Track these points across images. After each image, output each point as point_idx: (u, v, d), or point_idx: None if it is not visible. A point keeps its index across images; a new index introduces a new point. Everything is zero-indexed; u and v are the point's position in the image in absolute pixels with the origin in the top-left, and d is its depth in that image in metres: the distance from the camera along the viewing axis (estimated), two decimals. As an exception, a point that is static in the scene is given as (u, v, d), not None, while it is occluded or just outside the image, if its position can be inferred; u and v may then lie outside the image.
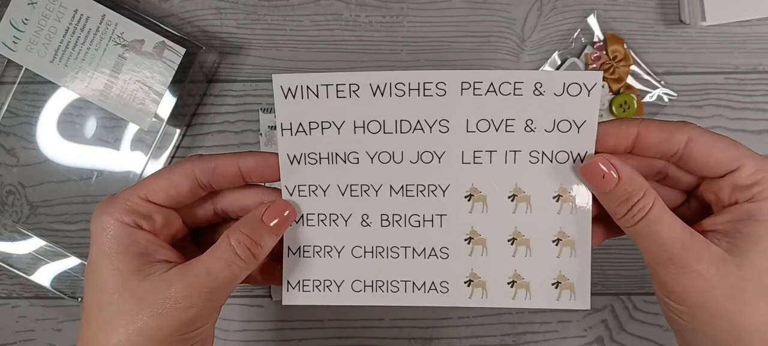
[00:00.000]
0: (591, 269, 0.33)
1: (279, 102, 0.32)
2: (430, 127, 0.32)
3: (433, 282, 0.34)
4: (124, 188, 0.32)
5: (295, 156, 0.33)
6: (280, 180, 0.33)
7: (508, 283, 0.33)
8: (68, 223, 0.47)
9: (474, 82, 0.31)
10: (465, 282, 0.34)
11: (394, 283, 0.34)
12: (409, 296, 0.34)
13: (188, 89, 0.45)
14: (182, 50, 0.43)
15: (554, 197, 0.32)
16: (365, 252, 0.34)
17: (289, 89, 0.32)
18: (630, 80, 0.45)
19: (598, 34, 0.45)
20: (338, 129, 0.32)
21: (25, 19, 0.43)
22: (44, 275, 0.46)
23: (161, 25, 0.44)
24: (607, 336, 0.47)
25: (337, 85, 0.32)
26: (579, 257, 0.33)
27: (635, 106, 0.45)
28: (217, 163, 0.32)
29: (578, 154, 0.32)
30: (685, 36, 0.46)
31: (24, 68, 0.45)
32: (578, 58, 0.45)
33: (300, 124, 0.32)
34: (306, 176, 0.33)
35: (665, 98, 0.45)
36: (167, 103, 0.44)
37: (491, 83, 0.31)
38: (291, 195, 0.33)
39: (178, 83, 0.44)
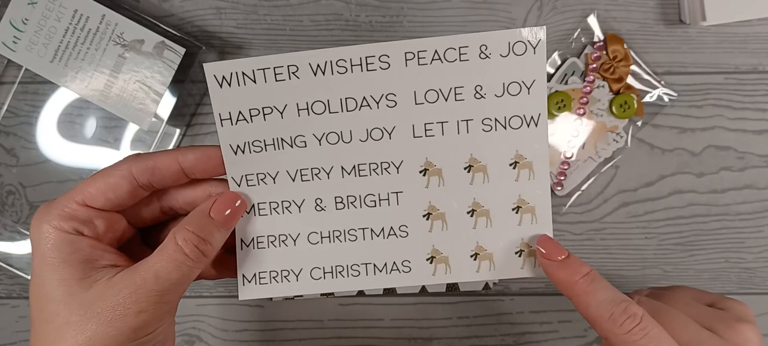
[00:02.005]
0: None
1: (214, 92, 0.31)
2: (377, 103, 0.31)
3: (394, 262, 0.33)
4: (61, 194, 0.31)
5: (238, 146, 0.31)
6: (225, 173, 0.32)
7: (471, 256, 0.33)
8: (68, 223, 0.47)
9: (418, 52, 0.30)
10: (427, 259, 0.33)
11: (355, 267, 0.33)
12: (371, 279, 0.33)
13: (188, 89, 0.45)
14: (182, 50, 0.43)
15: (511, 164, 0.32)
16: (322, 238, 0.33)
17: (223, 77, 0.30)
18: (630, 80, 0.45)
19: (598, 34, 0.45)
20: (281, 113, 0.31)
21: (25, 19, 0.43)
22: (44, 275, 0.46)
23: (161, 25, 0.44)
24: (607, 336, 0.47)
25: (274, 68, 0.30)
26: (540, 222, 0.32)
27: (635, 106, 0.45)
28: (156, 162, 0.31)
29: (532, 117, 0.31)
30: (685, 36, 0.46)
31: (24, 68, 0.45)
32: (578, 58, 0.45)
33: (239, 112, 0.31)
34: (252, 165, 0.32)
35: (665, 98, 0.45)
36: (167, 103, 0.44)
37: (435, 51, 0.30)
38: (239, 186, 0.32)
39: (178, 83, 0.44)
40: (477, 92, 0.31)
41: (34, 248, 0.30)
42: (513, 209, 0.32)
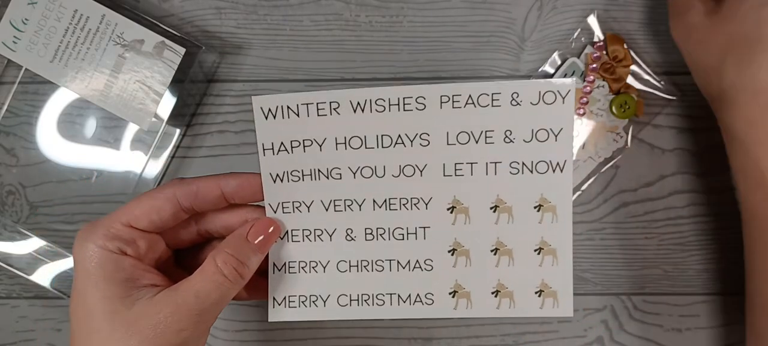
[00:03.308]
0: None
1: (259, 123, 0.32)
2: (411, 141, 0.32)
3: (418, 294, 0.34)
4: (107, 213, 0.32)
5: (277, 174, 0.33)
6: (263, 199, 0.33)
7: (492, 292, 0.34)
8: (68, 223, 0.47)
9: (453, 96, 0.31)
10: (450, 293, 0.34)
11: (380, 296, 0.34)
12: (395, 309, 0.34)
13: (188, 89, 0.45)
14: (182, 50, 0.43)
15: (535, 207, 0.33)
16: (350, 266, 0.34)
17: (269, 110, 0.32)
18: (630, 80, 0.45)
19: (598, 34, 0.45)
20: (320, 146, 0.33)
21: (25, 19, 0.43)
22: (44, 275, 0.46)
23: (161, 25, 0.44)
24: (607, 336, 0.47)
25: (317, 103, 0.32)
26: (561, 265, 0.33)
27: (635, 106, 0.44)
28: (199, 186, 0.32)
29: (557, 163, 0.32)
30: (685, 36, 0.46)
31: (24, 68, 0.45)
32: (578, 58, 0.45)
33: (281, 143, 0.32)
34: (289, 193, 0.33)
35: (665, 98, 0.45)
36: (167, 103, 0.44)
37: (469, 96, 0.31)
38: (275, 212, 0.34)
39: (178, 83, 0.44)
40: (507, 136, 0.32)
41: (77, 265, 0.31)
42: (535, 250, 0.33)
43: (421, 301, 0.34)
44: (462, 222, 0.33)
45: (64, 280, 0.46)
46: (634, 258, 0.47)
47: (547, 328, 0.47)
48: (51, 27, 0.43)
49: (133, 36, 0.43)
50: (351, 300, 0.34)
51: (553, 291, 0.34)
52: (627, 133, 0.45)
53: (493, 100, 0.31)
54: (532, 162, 0.32)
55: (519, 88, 0.31)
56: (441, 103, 0.32)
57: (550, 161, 0.32)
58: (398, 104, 0.32)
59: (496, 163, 0.33)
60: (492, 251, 0.34)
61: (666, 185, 0.46)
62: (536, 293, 0.34)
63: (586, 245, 0.47)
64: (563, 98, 0.31)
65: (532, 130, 0.32)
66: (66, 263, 0.46)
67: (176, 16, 0.46)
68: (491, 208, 0.33)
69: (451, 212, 0.33)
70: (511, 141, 0.32)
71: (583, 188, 0.46)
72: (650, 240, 0.46)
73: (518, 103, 0.31)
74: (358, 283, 0.34)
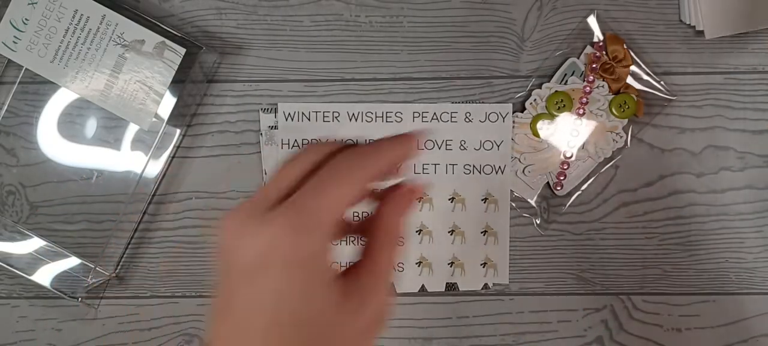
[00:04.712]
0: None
1: (282, 123, 0.43)
2: None
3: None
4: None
5: None
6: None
7: (449, 264, 0.43)
8: (68, 223, 0.47)
9: (422, 112, 0.42)
10: (416, 263, 0.44)
11: None
12: None
13: (188, 89, 0.45)
14: (182, 50, 0.43)
15: (483, 199, 0.43)
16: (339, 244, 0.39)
17: (289, 114, 0.42)
18: (630, 80, 0.45)
19: (598, 34, 0.45)
20: None
21: (25, 19, 0.43)
22: (44, 275, 0.46)
23: (161, 25, 0.44)
24: (607, 336, 0.47)
25: (323, 112, 0.43)
26: (500, 243, 0.43)
27: (635, 106, 0.45)
28: (380, 166, 0.28)
29: (499, 166, 0.43)
30: (685, 36, 0.46)
31: (24, 68, 0.45)
32: (578, 58, 0.45)
33: (295, 140, 0.42)
34: None
35: (665, 98, 0.45)
36: (167, 103, 0.44)
37: (435, 113, 0.42)
38: None
39: (178, 83, 0.44)
40: (461, 145, 0.43)
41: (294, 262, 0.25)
42: (482, 232, 0.43)
43: (394, 270, 0.40)
44: (427, 210, 0.43)
45: (64, 280, 0.46)
46: (634, 258, 0.47)
47: (547, 328, 0.47)
48: (51, 27, 0.43)
49: (134, 36, 0.43)
50: None
51: (494, 263, 0.43)
52: (627, 133, 0.46)
53: (452, 117, 0.42)
54: (480, 165, 0.43)
55: (471, 109, 0.42)
56: (414, 117, 0.42)
57: (494, 165, 0.43)
58: (382, 117, 0.42)
59: (453, 165, 0.43)
60: (449, 232, 0.43)
61: (666, 184, 0.46)
62: (482, 264, 0.43)
63: (586, 245, 0.47)
64: (503, 118, 0.42)
65: (481, 141, 0.42)
66: (66, 263, 0.46)
67: (177, 16, 0.46)
68: (449, 199, 0.43)
69: (420, 202, 0.43)
70: (465, 149, 0.42)
71: (583, 188, 0.46)
72: (650, 240, 0.47)
73: (470, 121, 0.42)
74: None
